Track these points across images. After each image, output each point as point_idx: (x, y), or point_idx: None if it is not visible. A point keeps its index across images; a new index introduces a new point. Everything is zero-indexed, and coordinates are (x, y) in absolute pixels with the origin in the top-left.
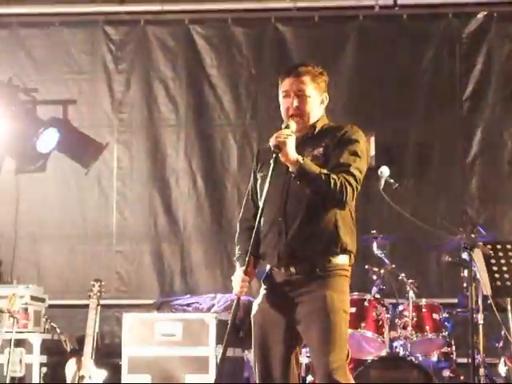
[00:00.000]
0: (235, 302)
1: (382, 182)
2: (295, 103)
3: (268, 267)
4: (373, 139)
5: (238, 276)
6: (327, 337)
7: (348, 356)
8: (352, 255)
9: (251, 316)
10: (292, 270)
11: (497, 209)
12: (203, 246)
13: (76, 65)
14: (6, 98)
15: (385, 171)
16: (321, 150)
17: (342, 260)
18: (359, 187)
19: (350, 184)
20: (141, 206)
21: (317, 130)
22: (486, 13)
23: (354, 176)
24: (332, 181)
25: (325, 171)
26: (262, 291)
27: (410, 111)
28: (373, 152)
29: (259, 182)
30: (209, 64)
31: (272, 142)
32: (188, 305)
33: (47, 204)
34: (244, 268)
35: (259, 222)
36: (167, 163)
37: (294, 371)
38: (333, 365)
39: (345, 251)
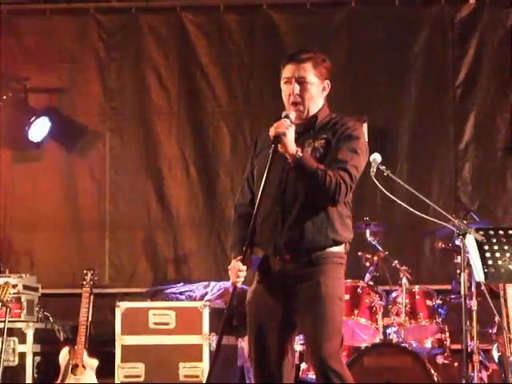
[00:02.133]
0: (232, 291)
1: (374, 169)
2: (296, 90)
3: (262, 255)
4: (365, 125)
5: (234, 265)
6: (321, 324)
7: (342, 343)
8: (347, 243)
9: (246, 303)
10: (287, 257)
11: (490, 195)
12: (196, 234)
13: (67, 53)
14: None
15: (377, 158)
16: (322, 142)
17: (337, 248)
18: (354, 185)
19: (345, 182)
20: (133, 194)
21: (318, 120)
22: None
23: (349, 174)
24: (327, 178)
25: (322, 167)
26: (257, 279)
27: (403, 97)
28: (366, 139)
29: (256, 168)
30: (201, 52)
31: (271, 132)
32: (181, 293)
33: (40, 193)
34: (241, 257)
35: (257, 210)
36: (160, 151)
37: (289, 359)
38: (326, 352)
39: (340, 241)
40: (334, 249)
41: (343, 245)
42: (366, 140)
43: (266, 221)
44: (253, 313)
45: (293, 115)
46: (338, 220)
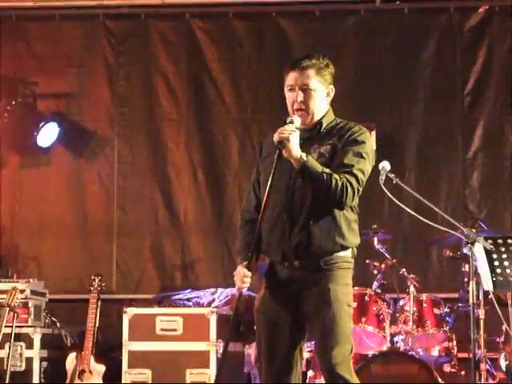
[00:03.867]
0: (237, 297)
1: (383, 177)
2: (300, 98)
3: (269, 262)
4: (373, 133)
5: (240, 271)
6: (330, 331)
7: (352, 350)
8: (355, 248)
9: (254, 311)
10: (296, 264)
11: (498, 203)
12: (204, 240)
13: (76, 59)
14: (6, 92)
15: (386, 166)
16: (328, 148)
17: (344, 253)
18: (361, 189)
19: (352, 185)
20: (141, 200)
21: (323, 126)
22: (487, 7)
23: (356, 177)
24: (333, 181)
25: (327, 170)
26: (264, 286)
27: (411, 106)
28: (374, 146)
29: (262, 174)
30: (210, 58)
31: (275, 137)
32: (188, 299)
33: (48, 198)
34: (246, 263)
35: (262, 216)
36: (168, 157)
37: (297, 367)
38: (336, 359)
39: (347, 246)
40: (342, 254)
41: (350, 249)
42: (374, 146)
43: (274, 228)
44: (261, 320)
45: (297, 120)
46: (345, 225)
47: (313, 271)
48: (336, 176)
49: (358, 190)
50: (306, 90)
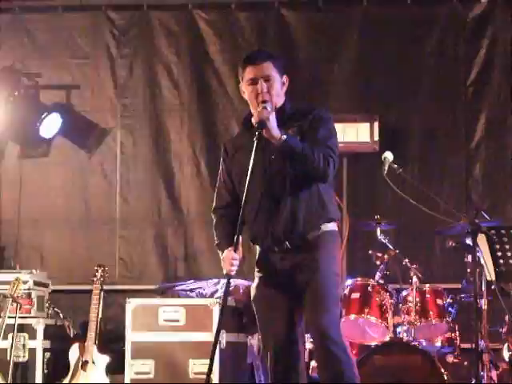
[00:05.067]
0: (226, 281)
1: (386, 167)
2: (265, 88)
3: (258, 250)
4: (377, 124)
5: (227, 255)
6: (319, 298)
7: (341, 315)
8: (337, 221)
9: (252, 301)
10: (287, 245)
11: (501, 194)
12: (207, 231)
13: (79, 50)
14: (9, 83)
15: (388, 156)
16: (295, 129)
17: (330, 227)
18: (338, 161)
19: (332, 157)
20: (144, 191)
21: (286, 111)
22: None
23: (332, 150)
24: (315, 153)
25: (307, 145)
26: (257, 274)
27: (414, 96)
28: (377, 137)
29: (236, 168)
30: (212, 49)
31: (255, 119)
32: (191, 290)
33: (50, 189)
34: (232, 247)
35: (244, 205)
36: (171, 148)
37: (300, 349)
38: (325, 322)
39: (332, 219)
40: (328, 227)
41: (334, 222)
42: (377, 137)
43: (259, 215)
44: (260, 309)
45: (269, 106)
46: (327, 198)
47: (302, 249)
48: (316, 150)
49: (337, 161)
50: (267, 80)
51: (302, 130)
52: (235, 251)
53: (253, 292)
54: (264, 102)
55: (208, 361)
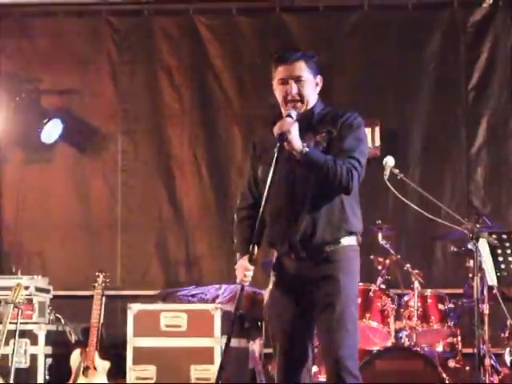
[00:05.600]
0: (239, 290)
1: (387, 172)
2: (294, 89)
3: (276, 255)
4: (378, 129)
5: (241, 264)
6: (338, 323)
7: (358, 341)
8: (359, 235)
9: (264, 306)
10: (303, 255)
11: (502, 199)
12: (208, 236)
13: (80, 55)
14: (10, 89)
15: (390, 161)
16: (323, 135)
17: (350, 241)
18: (363, 172)
19: (356, 169)
20: (145, 196)
21: (316, 114)
22: (491, 2)
23: (358, 161)
24: (338, 167)
25: (330, 157)
26: (273, 280)
27: (416, 101)
28: (378, 142)
29: (260, 171)
30: (213, 54)
31: (276, 130)
32: (193, 295)
33: (52, 195)
34: (248, 256)
35: (263, 210)
36: (171, 153)
37: (308, 360)
38: (343, 352)
39: (353, 232)
40: (348, 241)
41: (355, 237)
42: (378, 141)
43: (278, 221)
44: (273, 315)
45: (294, 114)
46: (350, 210)
47: (319, 261)
48: (340, 162)
49: (362, 173)
50: (298, 81)
51: (331, 137)
52: (250, 261)
53: (266, 298)
54: (292, 101)
55: (210, 366)
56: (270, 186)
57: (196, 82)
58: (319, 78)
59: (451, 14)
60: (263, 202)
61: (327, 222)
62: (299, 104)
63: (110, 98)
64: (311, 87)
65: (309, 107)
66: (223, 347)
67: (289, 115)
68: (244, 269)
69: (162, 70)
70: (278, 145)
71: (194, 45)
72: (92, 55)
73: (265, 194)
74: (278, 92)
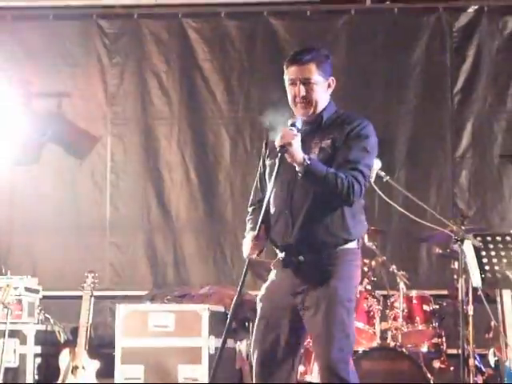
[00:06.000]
0: (246, 264)
1: (374, 175)
2: (302, 92)
3: (279, 255)
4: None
5: (248, 239)
6: (328, 328)
7: (352, 344)
8: (360, 239)
9: (258, 299)
10: (301, 258)
11: (487, 201)
12: (196, 237)
13: (70, 58)
14: (0, 91)
15: (376, 164)
16: (329, 142)
17: (349, 245)
18: (367, 183)
19: (358, 182)
20: (134, 198)
21: (324, 119)
22: (476, 7)
23: (362, 173)
24: (339, 180)
25: (331, 170)
26: (271, 276)
27: (401, 104)
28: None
29: (268, 169)
30: (202, 57)
31: (277, 142)
32: (181, 296)
33: (41, 196)
34: (255, 232)
35: (265, 211)
36: (160, 155)
37: (294, 361)
38: (333, 356)
39: (351, 239)
40: (346, 246)
41: (355, 242)
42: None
43: (277, 224)
44: (264, 308)
45: (299, 122)
46: (350, 217)
47: (316, 266)
48: (341, 175)
49: (365, 185)
50: (307, 83)
51: (336, 145)
52: (257, 237)
53: (262, 291)
54: (300, 103)
55: (198, 366)
56: (272, 191)
57: (185, 85)
58: (332, 80)
59: (437, 19)
60: (265, 206)
61: (325, 231)
62: (306, 106)
63: (100, 100)
64: (321, 90)
65: (318, 110)
66: (213, 350)
67: (293, 124)
68: (251, 242)
69: (151, 73)
70: (280, 155)
71: (182, 48)
72: (82, 58)
73: (266, 198)
74: (288, 92)
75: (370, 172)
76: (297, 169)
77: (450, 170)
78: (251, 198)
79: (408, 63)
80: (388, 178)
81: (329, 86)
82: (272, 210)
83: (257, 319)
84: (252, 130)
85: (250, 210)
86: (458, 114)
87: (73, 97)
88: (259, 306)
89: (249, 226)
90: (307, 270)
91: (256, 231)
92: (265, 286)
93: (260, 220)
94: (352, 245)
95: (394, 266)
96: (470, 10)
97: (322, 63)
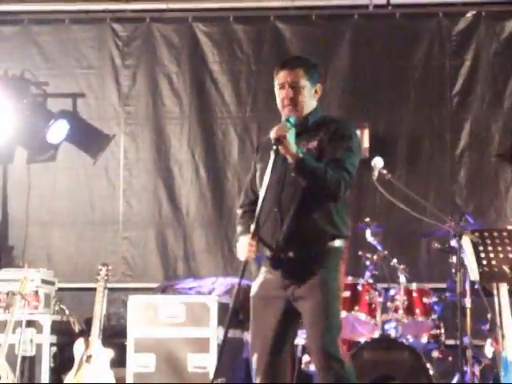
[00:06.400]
0: (243, 266)
1: (376, 173)
2: (290, 95)
3: (268, 252)
4: (367, 131)
5: (243, 242)
6: (320, 314)
7: (340, 330)
8: (347, 239)
9: (250, 296)
10: (290, 254)
11: (484, 198)
12: (205, 232)
13: (85, 60)
14: (18, 91)
15: (378, 162)
16: (315, 143)
17: (336, 243)
18: (352, 182)
19: (344, 179)
20: (146, 194)
21: (310, 122)
22: (474, 12)
23: (348, 171)
24: (328, 176)
25: (322, 165)
26: (262, 273)
27: (402, 105)
28: (367, 144)
29: (258, 172)
30: (211, 60)
31: (272, 134)
32: (190, 288)
33: (57, 192)
34: (250, 234)
35: (260, 210)
36: (171, 154)
37: (287, 351)
38: (326, 338)
39: (339, 237)
40: (334, 243)
41: (342, 241)
42: (367, 143)
43: (267, 221)
44: (257, 306)
45: (293, 118)
46: (336, 215)
47: (305, 261)
48: (330, 171)
49: (350, 183)
50: (294, 87)
51: (322, 145)
52: (252, 237)
53: (253, 289)
54: (287, 106)
55: (206, 355)
56: (265, 189)
57: (194, 86)
58: (319, 87)
59: (437, 24)
60: (259, 204)
61: (314, 227)
62: (293, 109)
63: (113, 100)
64: (308, 94)
65: (304, 113)
66: (221, 340)
67: (287, 120)
68: (247, 245)
69: (162, 75)
70: (275, 148)
71: (192, 51)
72: (96, 60)
73: (261, 196)
74: (277, 96)
75: (355, 170)
76: (289, 161)
77: (449, 168)
78: (242, 199)
79: (409, 66)
80: (389, 175)
81: (315, 92)
82: (263, 209)
83: (251, 315)
84: (259, 129)
85: (239, 212)
86: (456, 115)
87: (87, 97)
88: (252, 303)
89: (239, 229)
90: (297, 265)
91: (251, 234)
92: (256, 282)
93: (254, 223)
94: (339, 243)
95: (394, 260)
96: (469, 15)
97: (310, 70)
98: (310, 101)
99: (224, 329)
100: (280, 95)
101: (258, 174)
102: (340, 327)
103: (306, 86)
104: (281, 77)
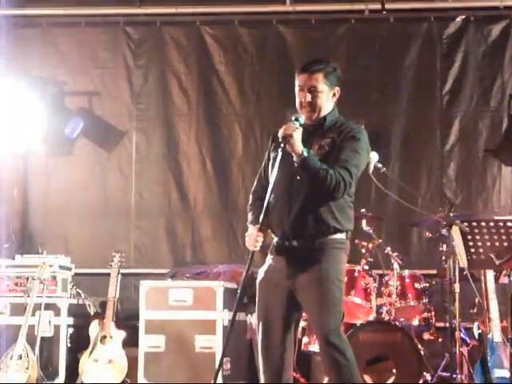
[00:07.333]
0: (250, 256)
1: (372, 167)
2: (308, 98)
3: (275, 239)
4: (362, 127)
5: (252, 232)
6: (322, 303)
7: (342, 318)
8: (349, 232)
9: (257, 282)
10: (294, 243)
11: (472, 191)
12: (211, 221)
13: (100, 61)
14: (38, 90)
15: (374, 156)
16: (328, 141)
17: (338, 236)
18: (353, 183)
19: (344, 180)
20: (156, 186)
21: (326, 122)
22: (463, 17)
23: (349, 172)
24: (329, 176)
25: (324, 166)
26: (268, 260)
27: (396, 104)
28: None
29: (271, 161)
30: (217, 61)
31: (280, 133)
32: (198, 274)
33: (74, 184)
34: (258, 226)
35: (268, 198)
36: (180, 148)
37: (291, 336)
38: (326, 328)
39: (340, 229)
40: (336, 236)
41: (344, 233)
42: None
43: (276, 209)
44: (262, 290)
45: (302, 118)
46: (339, 210)
47: (309, 251)
48: (331, 172)
49: (350, 183)
50: (313, 91)
51: (335, 144)
52: (260, 230)
53: (260, 275)
54: (305, 108)
55: (213, 336)
56: (274, 180)
57: (202, 85)
58: (337, 90)
59: (428, 27)
60: (268, 193)
61: (317, 218)
62: (310, 111)
63: (126, 98)
64: (326, 98)
65: (322, 115)
66: (229, 322)
67: (296, 119)
68: (255, 236)
69: (171, 75)
70: (282, 146)
71: (200, 52)
72: (110, 61)
73: (270, 186)
74: (296, 97)
75: (359, 171)
76: (294, 159)
77: (439, 162)
78: (255, 184)
79: (402, 67)
80: (384, 169)
81: (334, 95)
82: (272, 198)
83: (257, 300)
84: (262, 125)
85: (251, 196)
86: (446, 113)
87: (102, 96)
88: (258, 289)
89: (250, 216)
90: (300, 254)
91: (259, 225)
92: (262, 269)
93: (263, 214)
94: (341, 235)
95: (388, 248)
96: (458, 19)
97: (329, 74)
98: (327, 104)
99: (232, 312)
100: (299, 97)
101: (270, 163)
102: (341, 317)
103: (324, 90)
104: (300, 79)
